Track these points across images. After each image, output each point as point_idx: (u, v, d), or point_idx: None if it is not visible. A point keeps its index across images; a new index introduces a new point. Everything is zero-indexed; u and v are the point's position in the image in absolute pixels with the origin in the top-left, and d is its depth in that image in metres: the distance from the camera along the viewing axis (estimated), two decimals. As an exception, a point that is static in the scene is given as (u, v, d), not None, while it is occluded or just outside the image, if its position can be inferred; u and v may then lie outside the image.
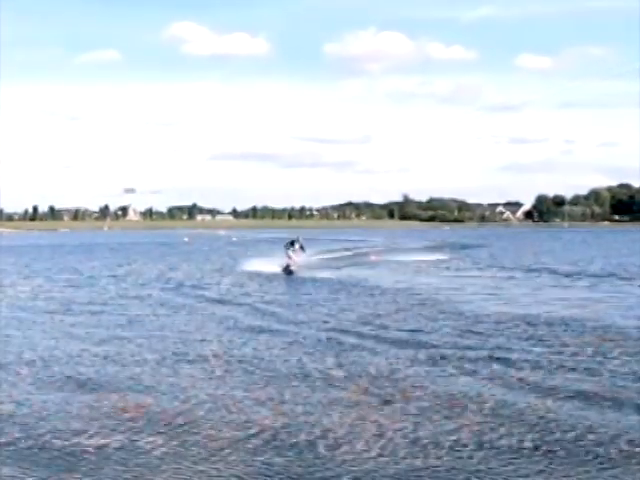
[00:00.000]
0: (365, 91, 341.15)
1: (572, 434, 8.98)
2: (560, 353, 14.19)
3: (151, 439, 8.87)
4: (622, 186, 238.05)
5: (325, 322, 18.79)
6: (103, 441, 8.80)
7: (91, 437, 8.93)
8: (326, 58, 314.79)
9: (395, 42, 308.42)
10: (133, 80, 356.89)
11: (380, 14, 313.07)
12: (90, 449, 8.54)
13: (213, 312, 21.08)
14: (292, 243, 36.89)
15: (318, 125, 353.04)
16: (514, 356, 13.77)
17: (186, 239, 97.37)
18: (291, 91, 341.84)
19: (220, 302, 23.67)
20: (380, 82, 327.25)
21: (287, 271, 34.98)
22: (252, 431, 9.12)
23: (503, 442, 8.69)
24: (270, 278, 32.54)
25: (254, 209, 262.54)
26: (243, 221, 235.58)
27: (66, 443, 8.72)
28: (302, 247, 37.13)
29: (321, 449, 8.53)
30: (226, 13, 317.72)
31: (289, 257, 36.31)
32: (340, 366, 13.02)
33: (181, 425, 9.47)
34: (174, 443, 8.75)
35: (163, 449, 8.53)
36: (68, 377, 12.30)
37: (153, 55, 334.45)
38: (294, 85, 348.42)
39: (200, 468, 7.98)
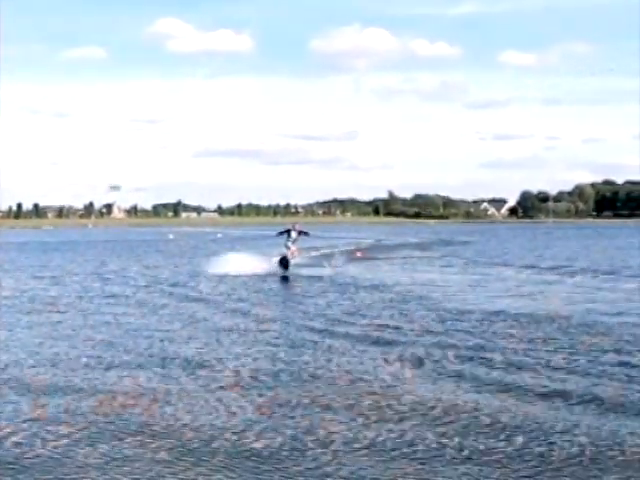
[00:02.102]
0: (350, 87, 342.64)
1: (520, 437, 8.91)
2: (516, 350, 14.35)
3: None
4: (606, 182, 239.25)
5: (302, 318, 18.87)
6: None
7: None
8: (311, 54, 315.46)
9: (379, 38, 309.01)
10: (118, 77, 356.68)
11: (364, 10, 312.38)
12: None
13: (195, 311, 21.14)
14: (288, 233, 33.01)
15: (303, 122, 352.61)
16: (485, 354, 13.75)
17: (171, 236, 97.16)
18: (276, 87, 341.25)
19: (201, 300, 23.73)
20: (365, 78, 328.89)
21: (283, 263, 31.71)
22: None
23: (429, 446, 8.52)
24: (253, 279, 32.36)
25: (239, 206, 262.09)
26: (229, 218, 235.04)
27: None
28: (304, 232, 33.42)
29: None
30: (211, 9, 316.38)
31: (288, 248, 32.53)
32: (288, 365, 12.85)
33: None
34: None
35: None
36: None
37: (138, 52, 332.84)
38: (279, 81, 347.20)
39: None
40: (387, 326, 17.20)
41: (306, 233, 33.43)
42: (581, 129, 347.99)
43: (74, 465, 7.94)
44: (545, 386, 11.11)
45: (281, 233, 33.47)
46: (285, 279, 30.51)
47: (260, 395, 10.71)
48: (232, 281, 28.87)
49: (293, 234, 32.65)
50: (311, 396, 10.59)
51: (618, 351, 13.85)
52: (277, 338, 15.87)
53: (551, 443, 8.50)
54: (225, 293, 25.00)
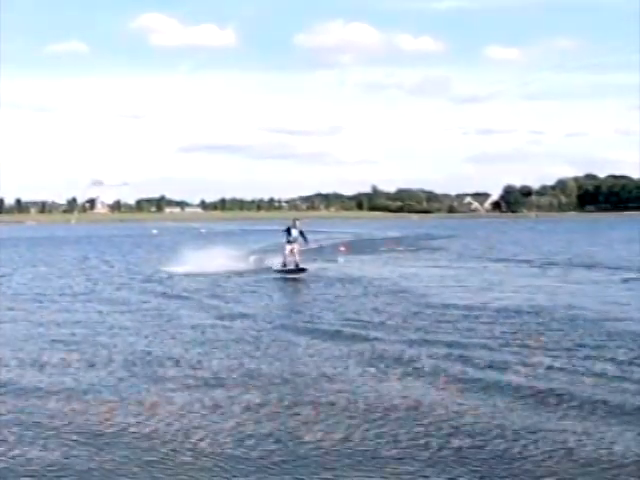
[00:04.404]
0: (334, 82, 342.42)
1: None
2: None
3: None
4: (588, 176, 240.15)
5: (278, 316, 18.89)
6: None
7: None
8: (295, 49, 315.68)
9: (364, 33, 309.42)
10: (101, 72, 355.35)
11: (348, 5, 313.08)
12: None
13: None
14: (289, 231, 29.15)
15: (287, 116, 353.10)
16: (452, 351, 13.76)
17: (155, 232, 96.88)
18: (261, 82, 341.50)
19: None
20: (350, 73, 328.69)
21: (286, 270, 28.50)
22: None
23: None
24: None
25: (223, 201, 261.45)
26: (212, 213, 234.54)
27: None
28: (302, 234, 29.03)
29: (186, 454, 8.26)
30: (194, 4, 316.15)
31: (290, 251, 28.90)
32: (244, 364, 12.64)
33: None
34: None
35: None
36: None
37: (122, 46, 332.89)
38: (264, 76, 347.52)
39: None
40: (362, 321, 17.20)
41: (305, 238, 29.15)
42: (564, 124, 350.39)
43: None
44: (519, 385, 10.99)
45: (287, 231, 29.33)
46: (294, 277, 28.10)
47: (210, 396, 10.52)
48: (211, 278, 28.79)
49: (294, 232, 28.90)
50: (275, 396, 10.49)
51: (583, 346, 13.82)
52: (252, 336, 15.74)
53: (516, 443, 8.42)
54: (203, 290, 24.95)
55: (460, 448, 8.24)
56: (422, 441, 8.47)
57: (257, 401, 10.18)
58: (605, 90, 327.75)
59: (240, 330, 16.34)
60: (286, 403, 10.09)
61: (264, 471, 7.68)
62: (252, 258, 35.34)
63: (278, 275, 28.61)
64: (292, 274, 28.05)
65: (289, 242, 28.78)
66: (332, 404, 10.02)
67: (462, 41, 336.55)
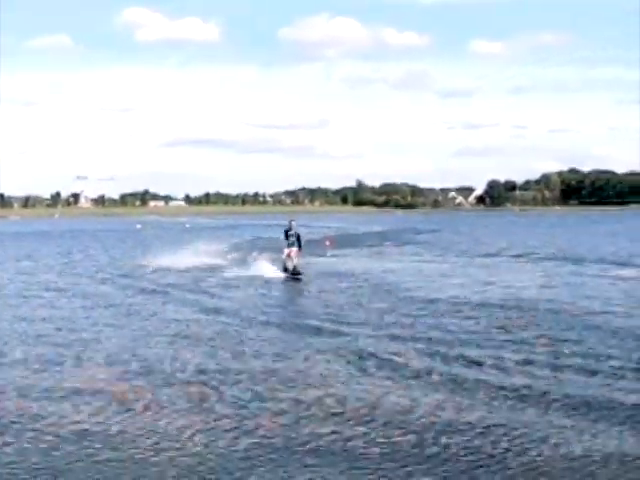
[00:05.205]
0: (321, 77, 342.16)
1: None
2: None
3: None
4: (572, 171, 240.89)
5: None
6: None
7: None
8: (280, 44, 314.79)
9: (349, 28, 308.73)
10: (87, 66, 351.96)
11: (332, 0, 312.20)
12: None
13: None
14: (287, 234, 27.18)
15: (273, 111, 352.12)
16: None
17: (139, 226, 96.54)
18: (246, 77, 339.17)
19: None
20: (336, 68, 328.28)
21: (292, 274, 26.28)
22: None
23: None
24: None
25: (207, 195, 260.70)
26: (197, 207, 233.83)
27: None
28: (299, 238, 27.07)
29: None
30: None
31: (287, 255, 26.87)
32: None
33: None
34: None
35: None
36: None
37: (107, 41, 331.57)
38: (249, 71, 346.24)
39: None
40: (344, 316, 17.19)
41: (299, 244, 26.96)
42: (548, 119, 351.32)
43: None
44: (490, 382, 10.92)
45: (286, 234, 27.25)
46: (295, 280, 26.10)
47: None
48: (193, 273, 28.74)
49: (291, 235, 26.87)
50: (232, 392, 10.50)
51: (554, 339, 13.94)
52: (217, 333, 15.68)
53: (484, 439, 8.44)
54: (185, 285, 24.89)
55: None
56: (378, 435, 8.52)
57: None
58: (590, 85, 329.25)
59: (220, 325, 16.32)
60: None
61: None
62: (232, 255, 35.10)
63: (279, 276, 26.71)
64: (289, 278, 26.16)
65: (289, 245, 26.71)
66: (300, 401, 9.99)
67: (447, 35, 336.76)
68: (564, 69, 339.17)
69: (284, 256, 26.83)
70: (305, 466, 7.68)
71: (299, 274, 26.10)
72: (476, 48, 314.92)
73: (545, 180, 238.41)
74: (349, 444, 8.29)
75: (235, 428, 8.86)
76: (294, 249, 26.67)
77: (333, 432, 8.68)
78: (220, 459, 7.90)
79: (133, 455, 8.05)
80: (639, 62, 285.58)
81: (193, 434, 8.65)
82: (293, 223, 27.32)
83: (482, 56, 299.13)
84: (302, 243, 27.23)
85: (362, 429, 8.77)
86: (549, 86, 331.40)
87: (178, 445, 8.28)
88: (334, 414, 9.41)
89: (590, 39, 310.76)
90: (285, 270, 26.62)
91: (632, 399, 9.83)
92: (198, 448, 8.21)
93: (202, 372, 11.69)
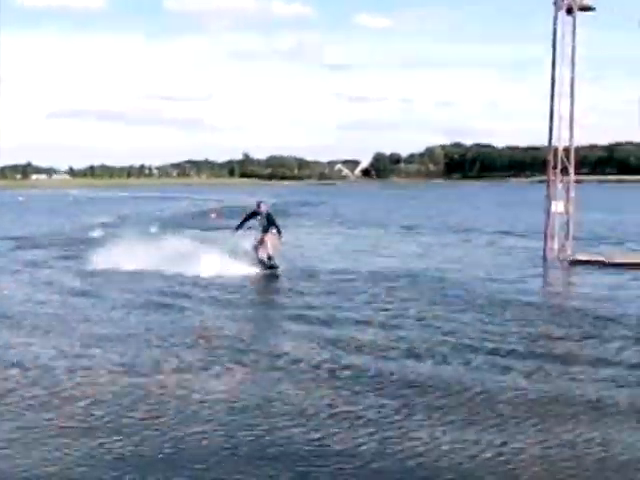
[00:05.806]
0: (208, 48, 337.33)
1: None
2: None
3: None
4: (455, 145, 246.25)
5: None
6: None
7: None
8: (166, 14, 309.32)
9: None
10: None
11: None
12: None
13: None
14: (253, 216, 22.36)
15: (159, 82, 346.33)
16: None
17: (21, 199, 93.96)
18: (131, 47, 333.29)
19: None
20: (222, 39, 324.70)
21: (266, 266, 21.54)
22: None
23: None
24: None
25: (92, 168, 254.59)
26: (81, 180, 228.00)
27: None
28: (274, 222, 22.08)
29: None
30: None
31: (261, 242, 21.90)
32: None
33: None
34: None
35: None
36: None
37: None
38: (134, 41, 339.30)
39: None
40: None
41: (278, 230, 22.02)
42: (434, 92, 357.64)
43: None
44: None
45: (245, 221, 22.54)
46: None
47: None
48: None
49: (259, 218, 22.06)
50: None
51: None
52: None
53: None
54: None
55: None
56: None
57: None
58: (476, 61, 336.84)
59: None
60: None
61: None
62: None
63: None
64: (266, 268, 21.62)
65: (264, 230, 21.63)
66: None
67: (333, 8, 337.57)
68: (452, 45, 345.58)
69: (255, 242, 21.86)
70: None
71: (274, 267, 21.53)
72: (363, 21, 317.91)
73: (429, 153, 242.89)
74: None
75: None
76: (269, 235, 21.69)
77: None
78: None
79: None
80: (522, 39, 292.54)
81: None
82: (263, 206, 22.18)
83: (370, 30, 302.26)
84: (280, 229, 22.18)
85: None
86: (436, 61, 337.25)
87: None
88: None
89: (480, 16, 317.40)
90: (261, 263, 21.59)
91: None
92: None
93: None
